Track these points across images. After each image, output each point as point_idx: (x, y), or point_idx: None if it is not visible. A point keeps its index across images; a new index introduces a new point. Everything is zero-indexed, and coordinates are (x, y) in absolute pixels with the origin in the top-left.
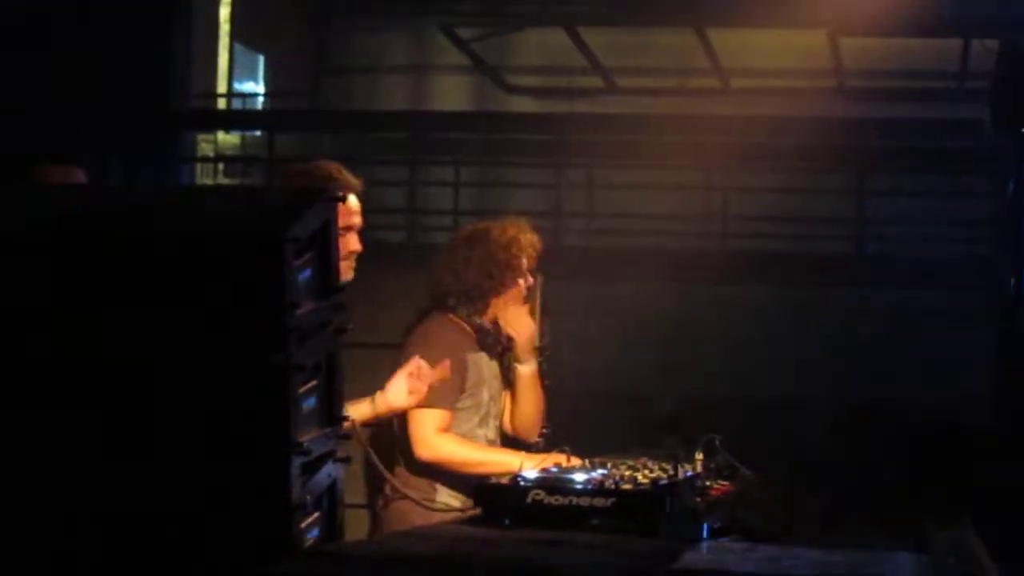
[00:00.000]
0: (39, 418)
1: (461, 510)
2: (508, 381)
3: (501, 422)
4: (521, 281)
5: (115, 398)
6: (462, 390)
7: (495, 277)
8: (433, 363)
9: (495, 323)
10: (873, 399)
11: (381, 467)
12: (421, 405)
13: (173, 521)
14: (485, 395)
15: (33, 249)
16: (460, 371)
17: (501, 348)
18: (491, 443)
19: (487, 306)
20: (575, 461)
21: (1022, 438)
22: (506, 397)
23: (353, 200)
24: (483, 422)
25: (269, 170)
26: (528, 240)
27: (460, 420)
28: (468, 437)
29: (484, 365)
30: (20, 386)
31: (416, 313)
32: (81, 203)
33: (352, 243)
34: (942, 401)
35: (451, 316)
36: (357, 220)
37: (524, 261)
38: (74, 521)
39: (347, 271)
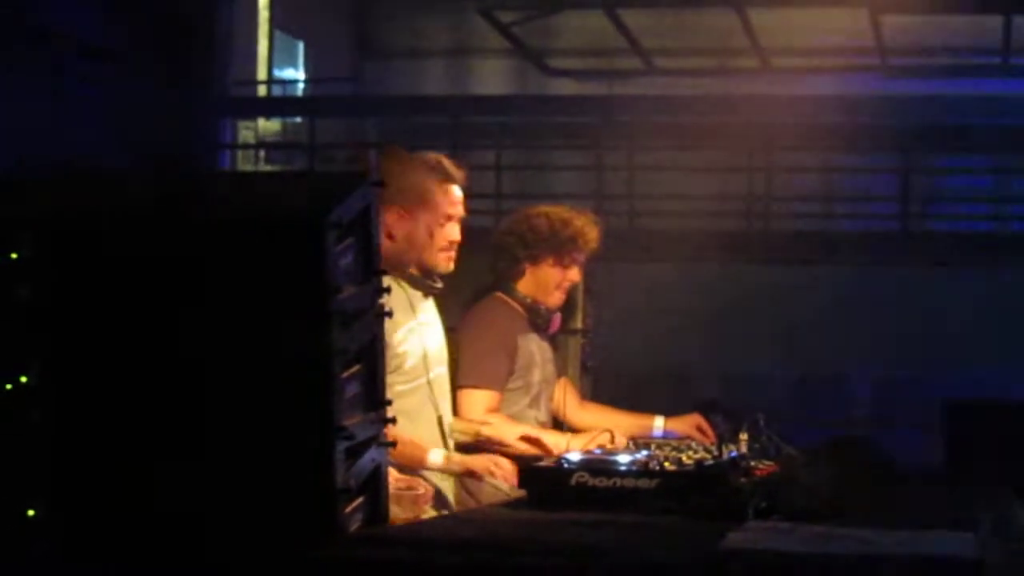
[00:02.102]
0: (88, 405)
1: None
2: (561, 365)
3: (554, 404)
4: (560, 262)
5: (160, 384)
6: (511, 371)
7: (530, 245)
8: (483, 346)
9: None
10: (919, 377)
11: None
12: (472, 386)
13: (219, 506)
14: (536, 376)
15: (75, 236)
16: (510, 352)
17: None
18: (542, 424)
19: (521, 272)
20: (620, 442)
21: None
22: (562, 383)
23: (456, 190)
24: (534, 403)
25: (310, 156)
26: (580, 227)
27: (510, 401)
28: (518, 418)
29: (535, 346)
30: (69, 372)
31: (473, 293)
32: (122, 190)
33: (453, 232)
34: (989, 377)
35: (503, 296)
36: (460, 211)
37: (570, 244)
38: (120, 507)
39: (447, 262)
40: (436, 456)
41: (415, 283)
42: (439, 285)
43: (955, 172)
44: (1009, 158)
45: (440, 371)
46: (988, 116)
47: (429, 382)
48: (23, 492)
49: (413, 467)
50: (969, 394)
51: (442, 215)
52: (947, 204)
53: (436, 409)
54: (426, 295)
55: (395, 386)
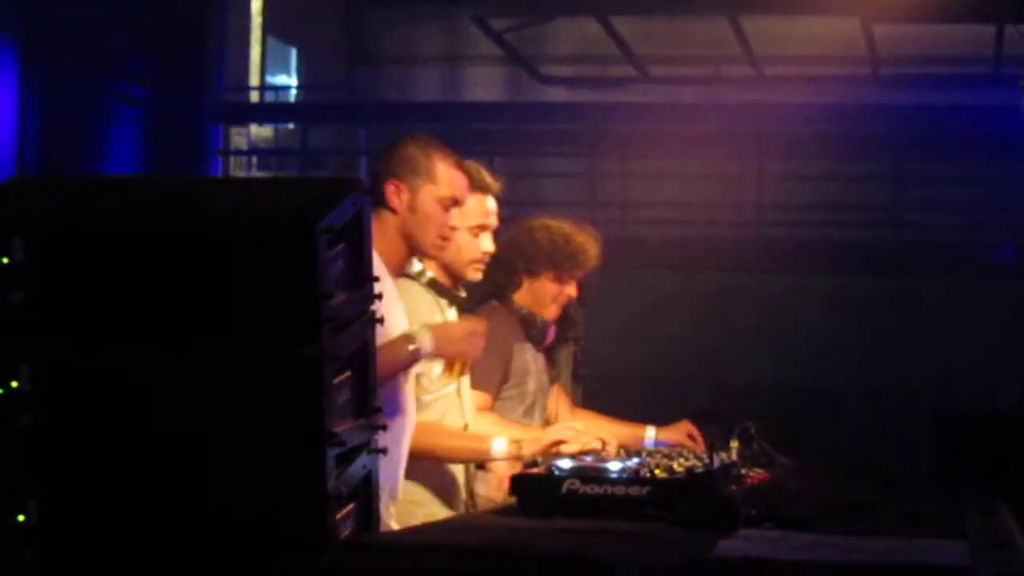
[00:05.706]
0: (78, 410)
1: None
2: (554, 374)
3: (548, 414)
4: (559, 277)
5: (150, 388)
6: (505, 378)
7: (530, 259)
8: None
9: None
10: (909, 386)
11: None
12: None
13: (207, 513)
14: (531, 385)
15: (67, 242)
16: (504, 359)
17: (543, 337)
18: None
19: (519, 284)
20: (611, 448)
21: None
22: (555, 390)
23: (490, 201)
24: (528, 412)
25: (302, 163)
26: (581, 244)
27: (505, 409)
28: None
29: (530, 356)
30: (60, 377)
31: (470, 301)
32: (114, 195)
33: (485, 244)
34: (978, 388)
35: (499, 306)
36: (493, 221)
37: (570, 261)
38: (110, 513)
39: (475, 272)
40: (500, 445)
41: (441, 291)
42: (463, 294)
43: (948, 181)
44: (1000, 167)
45: (466, 379)
46: (979, 126)
47: (458, 391)
48: (13, 497)
49: (476, 460)
50: (958, 405)
51: (474, 225)
52: (939, 214)
53: (463, 417)
54: (451, 303)
55: (422, 396)
